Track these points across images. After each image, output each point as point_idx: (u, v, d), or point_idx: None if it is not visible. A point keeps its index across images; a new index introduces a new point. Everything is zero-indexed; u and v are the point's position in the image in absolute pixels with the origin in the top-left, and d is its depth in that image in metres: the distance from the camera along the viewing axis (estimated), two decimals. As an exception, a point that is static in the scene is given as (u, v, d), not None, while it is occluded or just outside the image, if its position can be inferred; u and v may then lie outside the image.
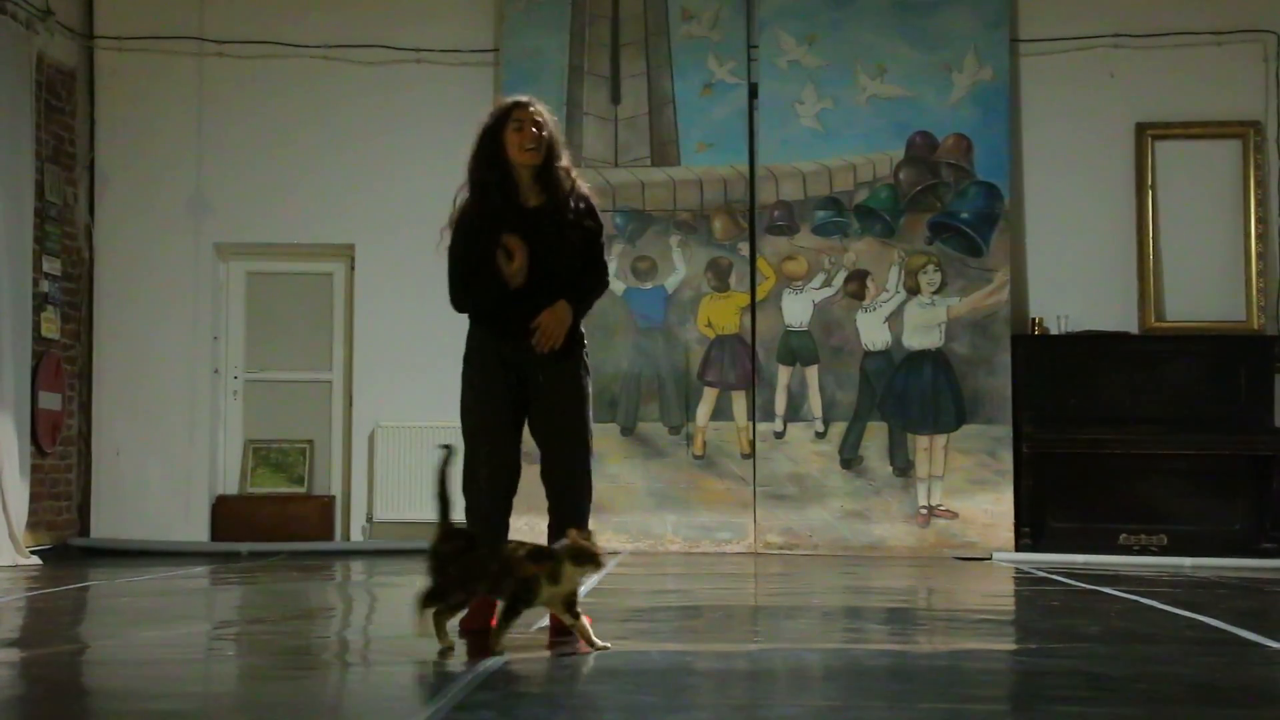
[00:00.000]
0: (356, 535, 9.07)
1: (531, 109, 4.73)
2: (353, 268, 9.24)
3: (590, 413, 4.77)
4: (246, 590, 6.53)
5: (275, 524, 8.93)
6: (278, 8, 9.25)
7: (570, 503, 4.71)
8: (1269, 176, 8.84)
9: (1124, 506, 8.49)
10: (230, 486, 9.24)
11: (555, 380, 4.68)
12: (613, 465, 8.84)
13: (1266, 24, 8.85)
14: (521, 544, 4.25)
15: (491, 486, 4.70)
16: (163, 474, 9.06)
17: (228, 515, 9.05)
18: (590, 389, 4.76)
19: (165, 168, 9.20)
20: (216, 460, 9.24)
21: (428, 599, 4.06)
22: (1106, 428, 8.48)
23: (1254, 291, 8.76)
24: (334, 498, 9.14)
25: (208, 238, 9.22)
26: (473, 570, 4.08)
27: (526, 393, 4.70)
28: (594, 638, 4.20)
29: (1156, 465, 8.49)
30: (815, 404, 8.84)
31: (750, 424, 8.84)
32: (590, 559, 4.24)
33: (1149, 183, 8.88)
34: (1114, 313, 8.83)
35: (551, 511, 4.75)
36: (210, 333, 9.23)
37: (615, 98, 9.10)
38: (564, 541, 4.28)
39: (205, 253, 9.23)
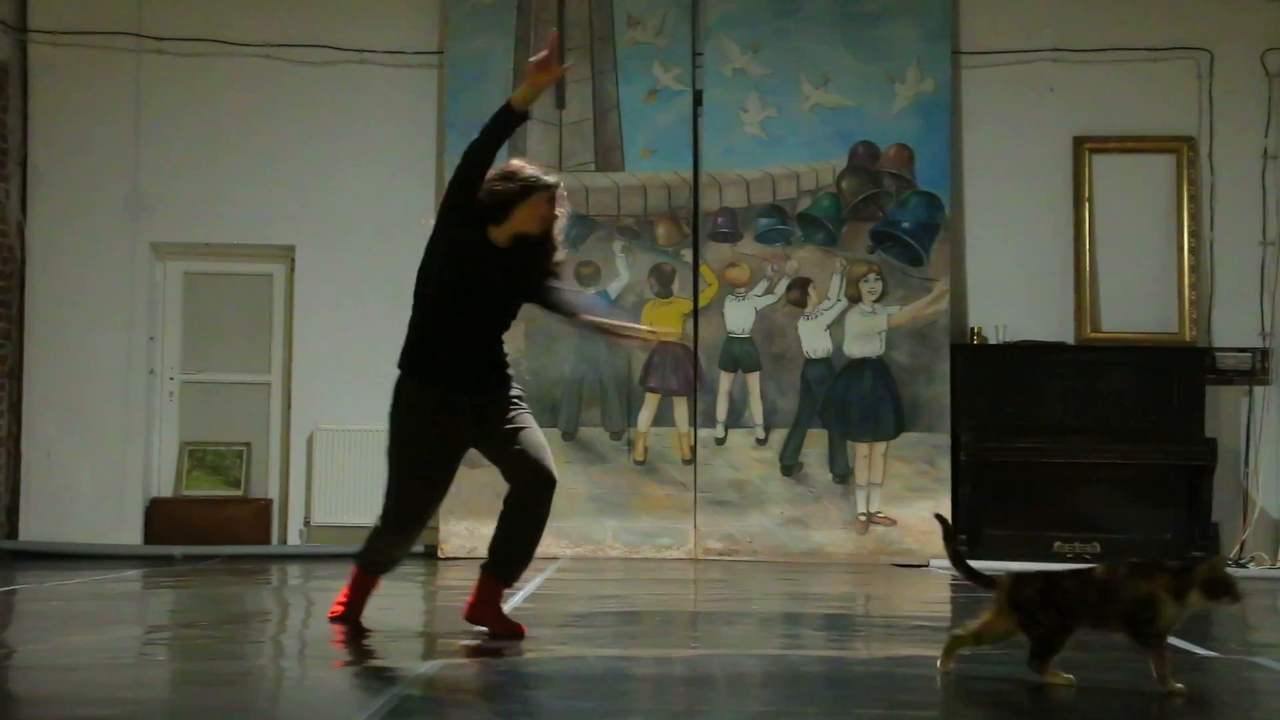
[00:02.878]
0: (294, 539, 8.99)
1: (560, 192, 4.73)
2: (293, 269, 9.17)
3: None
4: (180, 594, 6.46)
5: (211, 527, 8.84)
6: (218, 5, 9.16)
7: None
8: (1201, 191, 8.97)
9: (1058, 514, 8.58)
10: (165, 489, 9.13)
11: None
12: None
13: (1201, 42, 8.99)
14: (1109, 565, 3.76)
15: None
16: (95, 476, 8.94)
17: (162, 518, 8.94)
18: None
19: (101, 165, 9.09)
20: (151, 462, 9.13)
21: (1042, 657, 3.70)
22: (1042, 437, 8.57)
23: (1186, 304, 8.89)
24: (271, 501, 9.06)
25: (144, 237, 9.11)
26: (1070, 607, 3.68)
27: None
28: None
29: (1091, 474, 8.59)
30: (756, 411, 8.87)
31: (691, 430, 8.86)
32: (1227, 589, 3.62)
33: (1086, 195, 8.99)
34: (1051, 323, 8.93)
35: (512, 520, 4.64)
36: (146, 333, 9.12)
37: (560, 103, 9.09)
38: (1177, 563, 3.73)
39: (142, 252, 9.13)
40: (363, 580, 4.86)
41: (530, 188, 4.64)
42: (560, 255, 4.78)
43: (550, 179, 4.73)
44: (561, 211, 4.73)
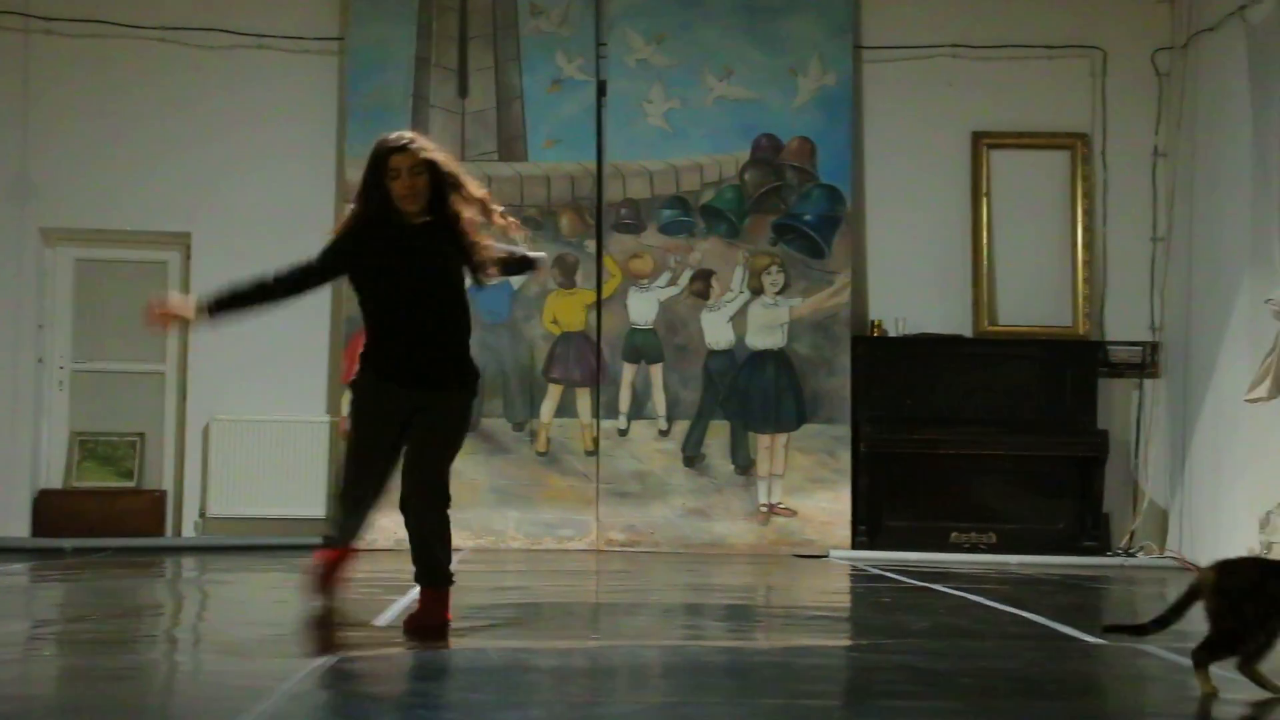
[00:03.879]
0: (189, 531, 8.84)
1: (408, 153, 4.52)
2: (188, 256, 9.00)
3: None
4: (70, 588, 6.32)
5: (102, 519, 8.66)
6: (112, -14, 8.96)
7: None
8: (1095, 187, 9.15)
9: (956, 505, 8.71)
10: (54, 480, 8.92)
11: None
12: (456, 461, 8.75)
13: (1094, 40, 9.16)
14: None
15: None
16: (-18, 467, 8.71)
17: (51, 510, 8.74)
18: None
19: (-11, 149, 8.85)
20: (39, 453, 8.91)
21: (1220, 649, 3.38)
22: (941, 428, 8.69)
23: (1080, 298, 9.06)
24: (165, 492, 8.90)
25: (33, 222, 8.88)
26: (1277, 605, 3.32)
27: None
28: None
29: (987, 465, 8.73)
30: (659, 402, 8.89)
31: (594, 421, 8.86)
32: None
33: (984, 190, 9.12)
34: (950, 316, 9.05)
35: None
36: (35, 321, 8.90)
37: (463, 91, 9.03)
38: None
39: (30, 237, 8.90)
40: (328, 554, 4.70)
41: (378, 158, 4.51)
42: (471, 209, 4.63)
43: (391, 136, 4.57)
44: (435, 158, 4.56)
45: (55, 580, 6.60)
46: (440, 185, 4.57)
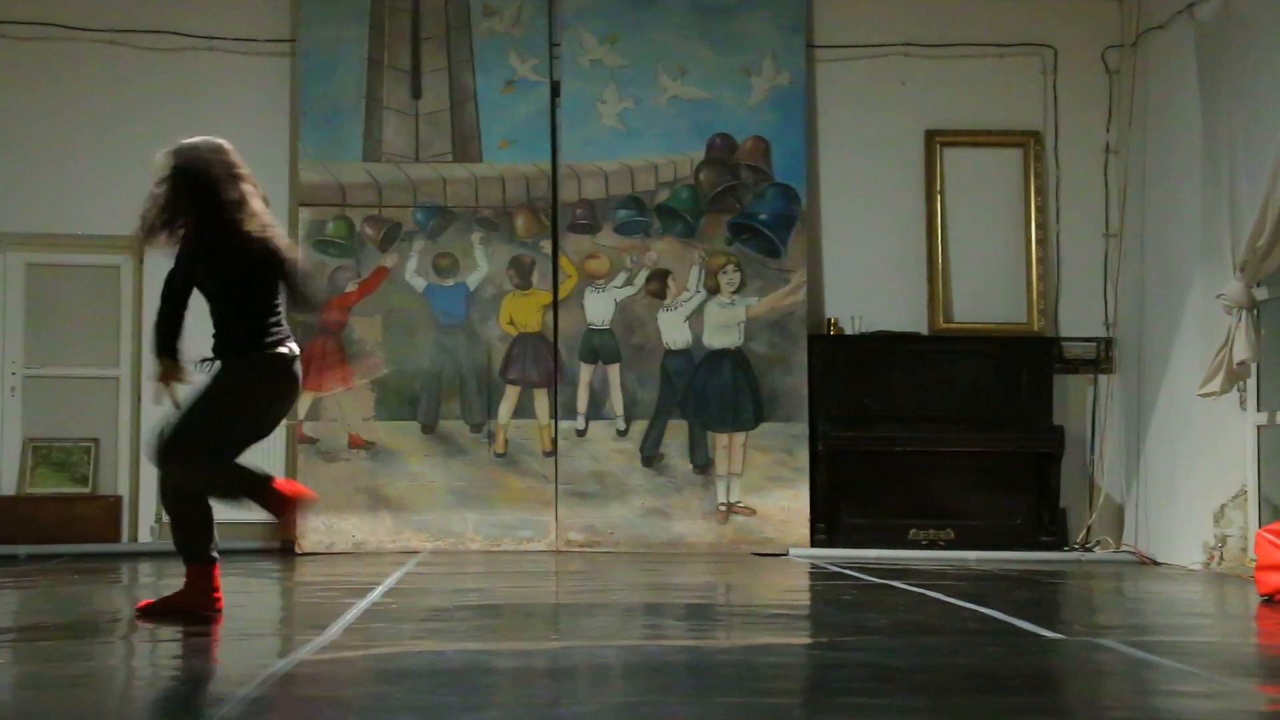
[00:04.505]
0: (145, 537, 8.77)
1: (154, 164, 5.23)
2: (141, 260, 8.92)
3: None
4: (25, 595, 6.25)
5: (57, 526, 8.57)
6: (61, -12, 8.87)
7: None
8: (1048, 185, 9.23)
9: (914, 502, 8.76)
10: (7, 487, 8.82)
11: None
12: (413, 463, 8.74)
13: (1045, 38, 9.23)
14: None
15: None
16: (-66, 475, 8.61)
17: (5, 517, 8.64)
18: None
19: (-63, 152, 8.74)
20: (-8, 459, 8.81)
21: None
22: (898, 426, 8.74)
23: (1034, 295, 9.14)
24: (121, 498, 8.82)
25: (-16, 227, 8.79)
26: None
27: None
28: None
29: (944, 462, 8.78)
30: (617, 402, 8.89)
31: (552, 422, 8.85)
32: None
33: (938, 187, 9.18)
34: (905, 314, 9.10)
35: None
36: (-13, 327, 8.81)
37: (416, 92, 9.00)
38: None
39: (-19, 243, 8.81)
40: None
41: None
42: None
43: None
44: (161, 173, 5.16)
45: (10, 587, 6.53)
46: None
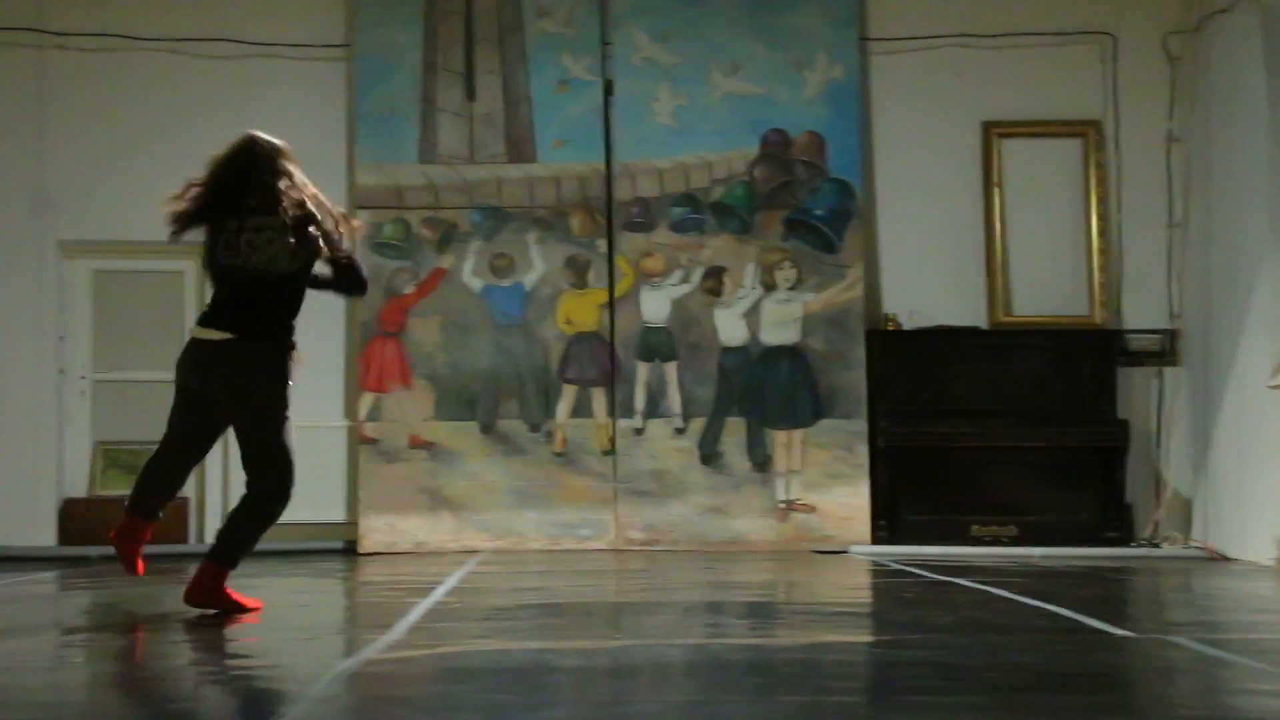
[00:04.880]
0: (211, 538, 8.84)
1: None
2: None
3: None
4: (95, 595, 6.35)
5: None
6: (121, 0, 8.99)
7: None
8: (1109, 175, 9.13)
9: (975, 498, 8.69)
10: (78, 489, 8.97)
11: None
12: (473, 463, 8.79)
13: (1105, 26, 9.13)
14: None
15: None
16: (7, 477, 8.76)
17: (76, 519, 8.78)
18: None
19: (5, 164, 8.89)
20: (64, 463, 8.96)
21: None
22: (958, 421, 8.68)
23: (1096, 286, 9.04)
24: (188, 499, 8.93)
25: (51, 235, 8.93)
26: None
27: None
28: None
29: (1006, 457, 8.70)
30: (674, 400, 8.89)
31: (610, 421, 8.86)
32: None
33: (996, 179, 9.10)
34: (964, 308, 9.03)
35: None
36: (55, 333, 8.95)
37: (470, 94, 9.04)
38: None
39: (49, 251, 8.95)
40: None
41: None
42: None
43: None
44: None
45: (82, 588, 6.63)
46: None
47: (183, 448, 5.26)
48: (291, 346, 5.16)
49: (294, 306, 5.16)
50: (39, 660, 4.21)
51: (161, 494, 5.31)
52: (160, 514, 5.36)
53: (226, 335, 5.06)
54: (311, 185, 5.25)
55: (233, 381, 5.06)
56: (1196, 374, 8.75)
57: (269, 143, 5.24)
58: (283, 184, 5.11)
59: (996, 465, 8.69)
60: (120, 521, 5.32)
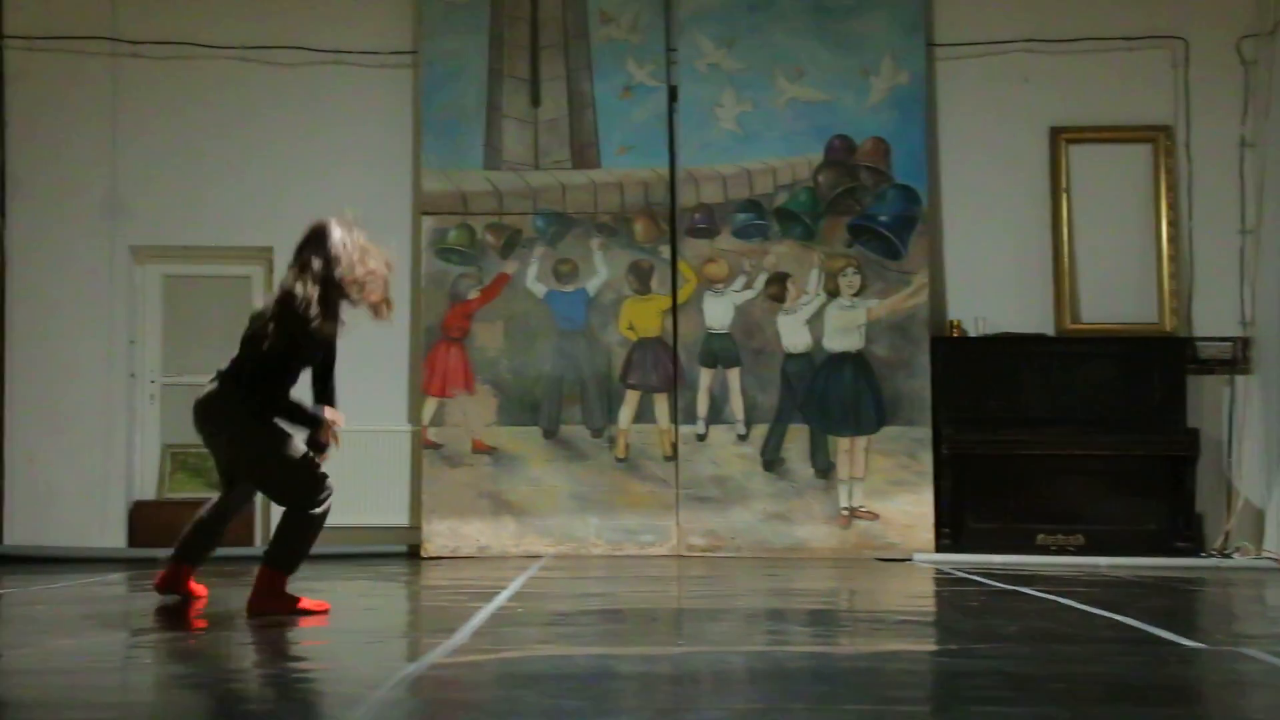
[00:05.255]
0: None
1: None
2: (271, 270, 9.13)
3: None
4: (165, 597, 6.41)
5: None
6: (192, 8, 9.13)
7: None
8: (1179, 180, 9.01)
9: (1041, 507, 8.60)
10: (148, 492, 9.10)
11: None
12: (535, 468, 8.81)
13: (1176, 30, 9.02)
14: None
15: None
16: (77, 480, 8.91)
17: (145, 521, 8.91)
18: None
19: (79, 169, 9.05)
20: (133, 465, 9.09)
21: None
22: (1024, 429, 8.59)
23: (1166, 293, 8.92)
24: (255, 502, 9.02)
25: (123, 240, 9.08)
26: None
27: None
28: None
29: (1073, 466, 8.61)
30: (737, 406, 8.87)
31: (672, 426, 8.86)
32: None
33: (1063, 185, 9.02)
34: (1031, 314, 8.95)
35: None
36: (126, 337, 9.10)
37: (535, 100, 9.08)
38: None
39: (121, 256, 9.09)
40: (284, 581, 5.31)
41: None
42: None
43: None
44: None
45: (151, 589, 6.72)
46: None
47: (222, 492, 5.66)
48: (288, 409, 5.29)
49: (277, 375, 5.25)
50: (109, 660, 4.27)
51: (202, 541, 5.69)
52: (201, 562, 5.70)
53: (214, 385, 5.32)
54: (359, 265, 5.25)
55: (216, 429, 5.34)
56: (1269, 382, 8.61)
57: (317, 226, 5.37)
58: (291, 273, 5.25)
59: (1063, 474, 8.60)
60: (164, 570, 5.70)
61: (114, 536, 8.88)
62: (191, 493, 9.04)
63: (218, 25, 9.08)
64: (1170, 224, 8.96)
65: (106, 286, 9.04)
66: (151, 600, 6.19)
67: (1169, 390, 8.63)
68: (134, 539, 8.89)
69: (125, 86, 9.07)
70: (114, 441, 8.97)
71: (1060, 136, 9.04)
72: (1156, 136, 9.01)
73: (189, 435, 9.24)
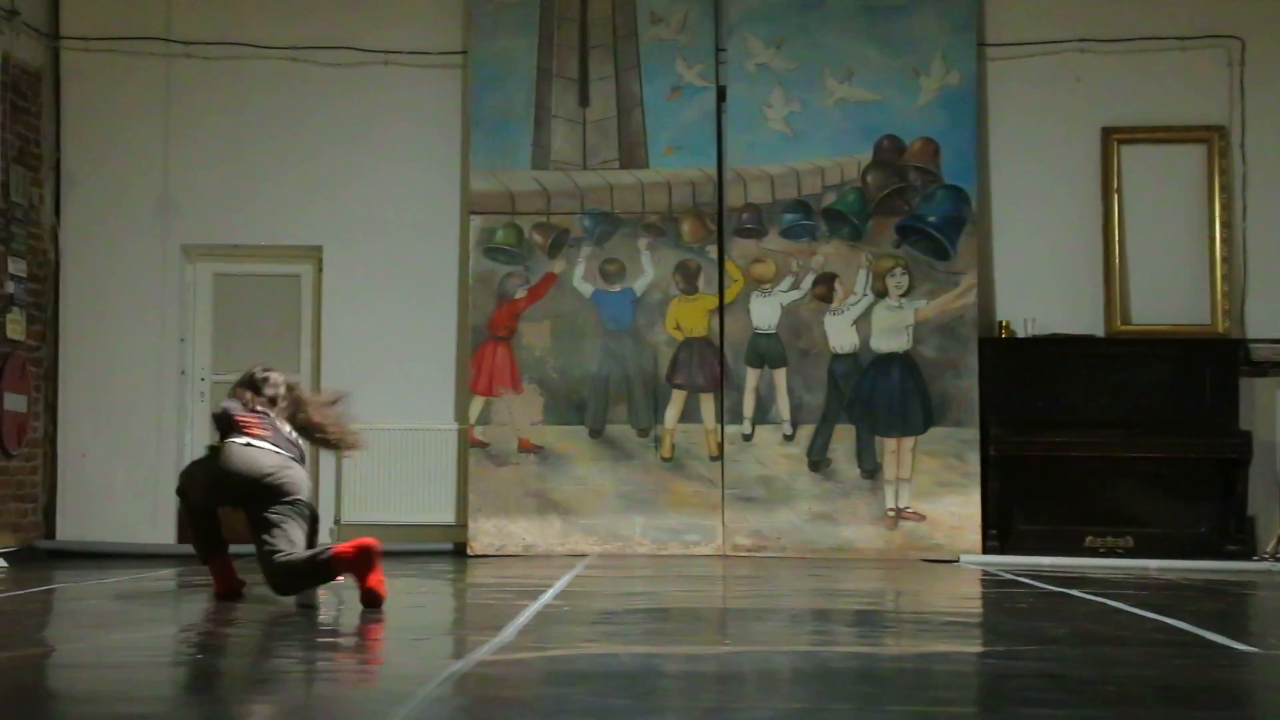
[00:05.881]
0: (324, 537, 9.01)
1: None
2: (320, 269, 9.20)
3: None
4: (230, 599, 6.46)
5: (244, 526, 8.83)
6: (244, 9, 9.21)
7: None
8: (1233, 181, 8.91)
9: (1090, 508, 8.54)
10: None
11: None
12: (581, 468, 8.83)
13: (1231, 29, 8.92)
14: None
15: None
16: (129, 476, 9.01)
17: (194, 518, 8.97)
18: None
19: (132, 169, 9.15)
20: (184, 462, 9.13)
21: None
22: (1073, 430, 8.53)
23: (1219, 295, 8.83)
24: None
25: (175, 239, 9.17)
26: None
27: None
28: None
29: (1122, 468, 8.54)
30: (783, 406, 8.85)
31: (718, 426, 8.85)
32: None
33: (1115, 186, 8.94)
34: (1080, 315, 8.88)
35: None
36: (177, 334, 9.19)
37: (584, 100, 9.10)
38: None
39: (172, 254, 9.19)
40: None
41: None
42: None
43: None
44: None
45: (201, 585, 6.78)
46: None
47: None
48: None
49: None
50: (159, 655, 4.32)
51: (210, 528, 6.23)
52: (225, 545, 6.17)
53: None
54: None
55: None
56: (1323, 385, 8.50)
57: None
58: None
59: (1112, 476, 8.53)
60: (215, 577, 6.09)
61: (164, 532, 8.97)
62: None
63: (269, 26, 9.16)
64: (1224, 225, 8.86)
65: (158, 284, 9.14)
66: (201, 596, 6.25)
67: (1221, 392, 8.54)
68: (184, 535, 8.96)
69: (177, 86, 9.17)
70: (164, 438, 9.07)
71: (1112, 137, 8.96)
72: (1210, 137, 8.92)
73: (239, 432, 9.37)
